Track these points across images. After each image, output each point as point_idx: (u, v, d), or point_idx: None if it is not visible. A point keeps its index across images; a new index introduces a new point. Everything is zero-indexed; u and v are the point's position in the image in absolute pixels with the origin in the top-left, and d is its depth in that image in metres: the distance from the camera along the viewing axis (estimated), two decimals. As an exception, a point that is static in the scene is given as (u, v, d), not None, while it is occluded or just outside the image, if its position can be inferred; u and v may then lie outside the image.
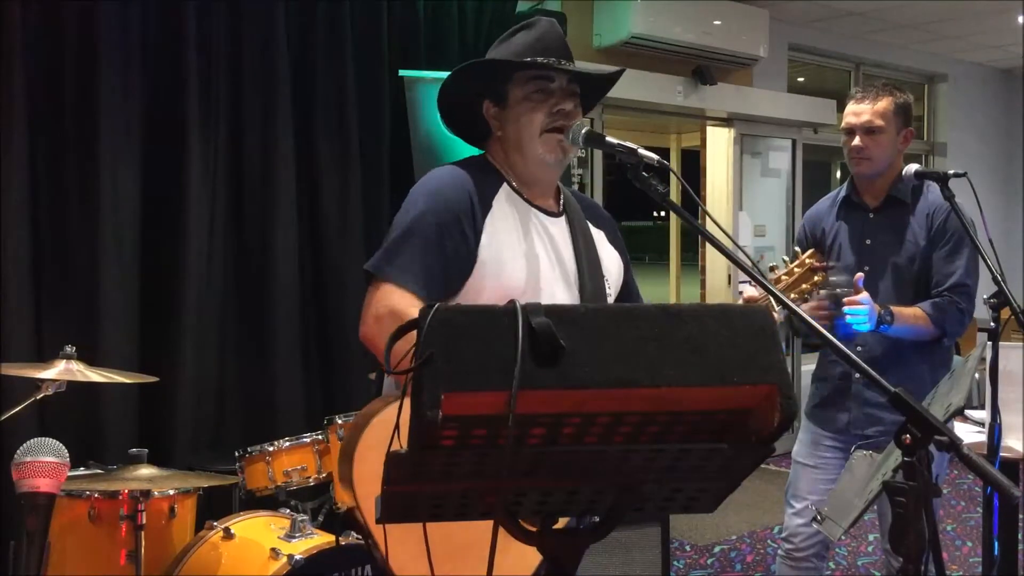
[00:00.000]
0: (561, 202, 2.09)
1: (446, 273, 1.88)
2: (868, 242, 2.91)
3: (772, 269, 2.27)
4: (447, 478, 1.18)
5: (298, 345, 4.27)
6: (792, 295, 2.22)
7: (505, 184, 2.01)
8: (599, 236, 2.14)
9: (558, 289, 1.99)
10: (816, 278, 2.25)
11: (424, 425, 1.09)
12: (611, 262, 2.14)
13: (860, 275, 2.68)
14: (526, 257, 1.95)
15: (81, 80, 3.70)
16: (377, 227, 4.45)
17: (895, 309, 2.71)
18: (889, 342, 2.81)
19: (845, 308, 2.63)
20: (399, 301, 1.83)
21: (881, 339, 2.81)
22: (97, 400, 3.62)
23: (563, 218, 2.07)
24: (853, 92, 2.93)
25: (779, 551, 3.05)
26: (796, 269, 2.25)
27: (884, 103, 2.84)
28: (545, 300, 1.91)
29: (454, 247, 1.89)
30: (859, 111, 2.86)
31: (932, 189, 2.85)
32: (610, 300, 2.10)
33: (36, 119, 3.63)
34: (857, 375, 2.87)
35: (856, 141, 2.86)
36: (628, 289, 2.20)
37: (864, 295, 2.64)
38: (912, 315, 2.75)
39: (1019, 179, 8.93)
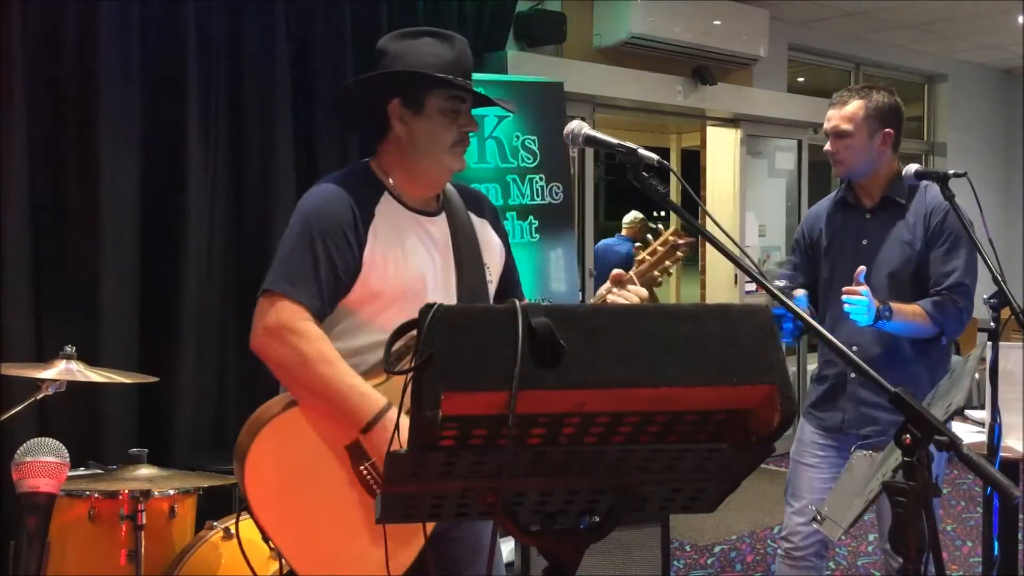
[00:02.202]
0: (440, 200, 2.18)
1: (333, 283, 1.99)
2: (865, 242, 2.91)
3: (636, 250, 2.26)
4: (447, 478, 1.18)
5: (298, 345, 4.26)
6: (655, 272, 2.21)
7: (386, 192, 2.09)
8: (481, 224, 2.24)
9: (439, 283, 2.09)
10: (679, 254, 2.26)
11: (424, 425, 1.09)
12: (492, 249, 2.24)
13: (862, 268, 2.68)
14: (408, 259, 2.05)
15: (81, 80, 3.70)
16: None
17: (894, 305, 2.71)
18: (885, 341, 2.81)
19: (844, 298, 2.64)
20: (289, 314, 1.95)
21: (877, 338, 2.81)
22: (97, 400, 3.61)
23: (442, 215, 2.16)
24: (833, 96, 2.95)
25: (779, 550, 3.05)
26: (659, 247, 2.23)
27: (853, 107, 2.86)
28: (427, 294, 2.04)
29: (340, 257, 1.99)
30: (830, 115, 2.91)
31: (929, 189, 2.86)
32: (491, 286, 2.20)
33: (36, 118, 3.63)
34: (852, 374, 2.88)
35: (827, 145, 2.92)
36: (509, 274, 2.30)
37: (864, 287, 2.64)
38: (911, 312, 2.75)
39: (1019, 179, 8.92)
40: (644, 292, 2.14)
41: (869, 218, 2.93)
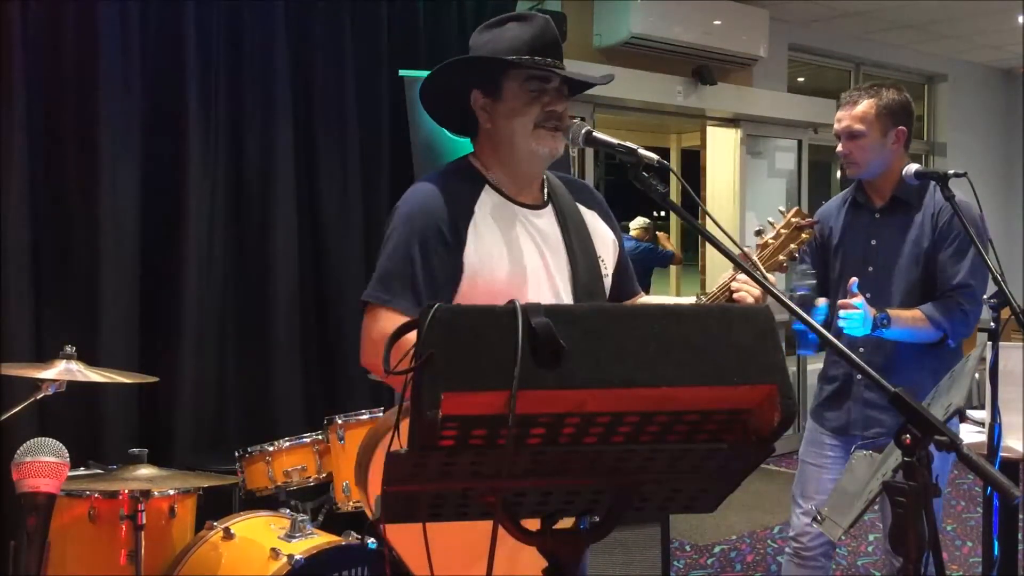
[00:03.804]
0: (545, 192, 2.10)
1: (432, 288, 1.92)
2: (873, 242, 2.90)
3: (759, 234, 2.23)
4: (447, 478, 1.18)
5: (298, 345, 4.27)
6: (781, 257, 2.18)
7: (487, 187, 2.03)
8: (591, 216, 2.15)
9: (552, 281, 2.01)
10: (804, 236, 2.22)
11: (424, 425, 1.09)
12: (606, 243, 2.15)
13: (854, 280, 2.66)
14: (514, 257, 1.98)
15: (81, 79, 3.70)
16: (376, 227, 4.44)
17: (892, 312, 2.70)
18: (891, 346, 2.80)
19: (839, 312, 2.62)
20: (393, 325, 1.88)
21: (883, 342, 2.79)
22: (97, 400, 3.61)
23: (549, 207, 2.08)
24: (842, 96, 2.92)
25: (786, 550, 3.05)
26: (783, 231, 2.20)
27: (864, 106, 2.82)
28: (538, 294, 1.96)
29: (440, 262, 1.93)
30: (840, 116, 2.87)
31: (939, 189, 2.84)
32: (607, 280, 2.11)
33: (36, 118, 3.63)
34: (859, 376, 2.86)
35: (840, 147, 2.88)
36: (623, 268, 2.21)
37: (858, 299, 2.62)
38: (911, 317, 2.73)
39: (1019, 179, 8.92)
40: (772, 278, 2.07)
41: (878, 218, 2.91)
